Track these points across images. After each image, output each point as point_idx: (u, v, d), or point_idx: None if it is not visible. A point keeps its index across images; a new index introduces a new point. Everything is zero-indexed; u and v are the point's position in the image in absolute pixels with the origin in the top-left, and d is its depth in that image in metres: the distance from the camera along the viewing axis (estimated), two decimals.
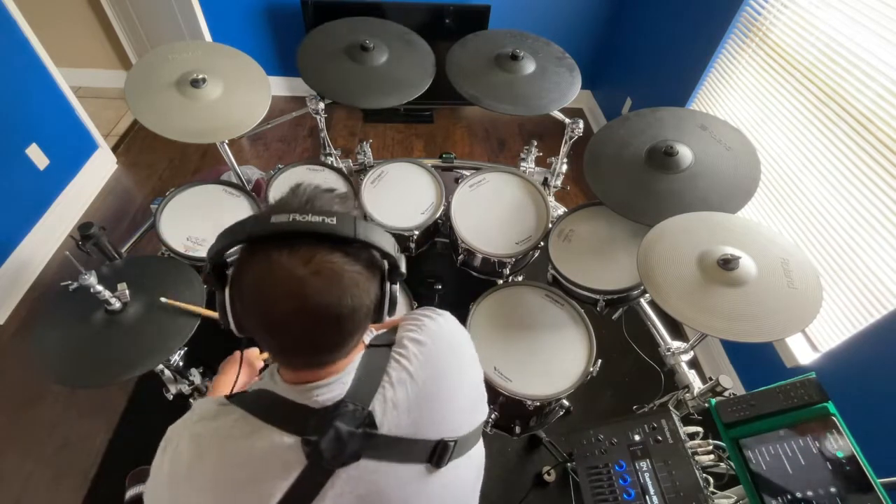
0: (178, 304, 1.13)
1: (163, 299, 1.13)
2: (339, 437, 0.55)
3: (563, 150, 1.74)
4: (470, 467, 0.67)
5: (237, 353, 0.87)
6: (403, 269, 0.60)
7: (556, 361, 1.30)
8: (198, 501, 0.55)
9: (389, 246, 0.56)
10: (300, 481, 0.54)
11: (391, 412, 0.59)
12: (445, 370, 0.66)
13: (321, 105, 1.65)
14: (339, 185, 1.66)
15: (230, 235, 0.53)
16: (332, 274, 0.52)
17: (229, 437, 0.57)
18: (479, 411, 0.70)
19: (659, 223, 1.18)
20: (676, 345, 1.37)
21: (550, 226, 1.52)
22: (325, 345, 0.57)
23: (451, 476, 0.62)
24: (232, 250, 0.55)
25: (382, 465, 0.57)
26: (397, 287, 0.61)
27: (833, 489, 0.78)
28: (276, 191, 1.59)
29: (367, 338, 0.68)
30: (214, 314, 0.71)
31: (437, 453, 0.60)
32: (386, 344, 0.65)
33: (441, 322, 0.72)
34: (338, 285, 0.52)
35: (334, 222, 0.51)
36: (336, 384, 0.58)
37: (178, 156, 2.96)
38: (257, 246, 0.53)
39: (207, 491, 0.55)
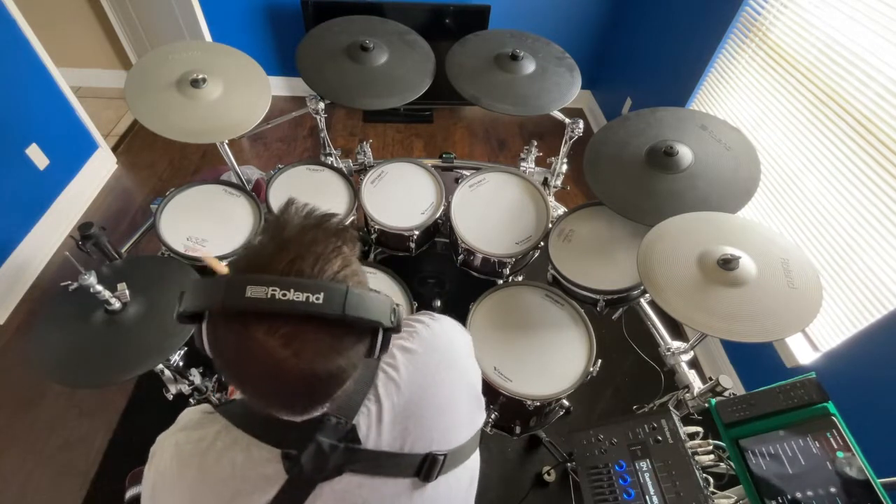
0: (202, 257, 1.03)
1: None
2: (321, 451, 0.53)
3: (563, 150, 1.74)
4: (462, 479, 0.64)
5: None
6: (401, 326, 0.53)
7: (556, 361, 1.30)
8: None
9: (384, 315, 0.49)
10: (280, 496, 0.53)
11: (376, 426, 0.57)
12: (436, 381, 0.64)
13: (321, 105, 1.65)
14: (339, 186, 1.66)
15: (200, 299, 0.46)
16: (316, 353, 0.46)
17: (210, 448, 0.55)
18: (475, 421, 0.68)
19: (659, 223, 1.18)
20: (676, 345, 1.37)
21: (550, 226, 1.52)
22: (307, 405, 0.54)
23: (441, 490, 0.60)
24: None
25: (367, 479, 0.56)
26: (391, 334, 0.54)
27: (833, 489, 0.78)
28: (276, 191, 1.59)
29: None
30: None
31: (426, 468, 0.58)
32: None
33: (435, 328, 0.69)
34: (322, 362, 0.47)
35: (320, 301, 0.44)
36: None
37: (178, 156, 2.96)
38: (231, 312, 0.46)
39: (188, 502, 0.54)
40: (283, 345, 0.45)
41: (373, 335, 0.51)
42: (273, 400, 0.52)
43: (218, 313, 0.47)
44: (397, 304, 0.52)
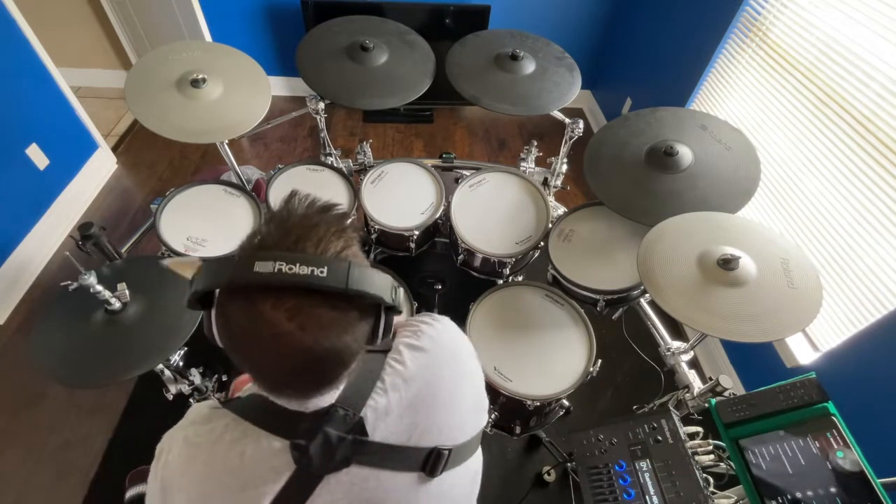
0: (178, 264, 1.13)
1: (164, 262, 1.14)
2: (329, 443, 0.54)
3: (563, 150, 1.74)
4: (466, 477, 0.65)
5: None
6: (402, 307, 0.55)
7: (556, 361, 1.30)
8: None
9: (385, 291, 0.51)
10: (289, 486, 0.53)
11: (383, 419, 0.58)
12: (442, 377, 0.65)
13: (321, 105, 1.65)
14: (339, 186, 1.66)
15: (210, 278, 0.49)
16: (320, 327, 0.48)
17: (219, 441, 0.56)
18: (478, 421, 0.69)
19: (659, 223, 1.18)
20: (676, 345, 1.37)
21: (550, 226, 1.52)
22: (313, 385, 0.55)
23: (445, 486, 0.61)
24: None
25: (373, 472, 0.56)
26: (394, 317, 0.56)
27: (833, 489, 0.78)
28: (276, 191, 1.59)
29: None
30: None
31: (431, 462, 0.59)
32: (382, 350, 0.64)
33: (439, 328, 0.70)
34: (326, 336, 0.48)
35: (324, 274, 0.46)
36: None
37: (178, 156, 2.96)
38: (240, 288, 0.48)
39: (198, 496, 0.55)
40: (288, 318, 0.46)
41: (376, 315, 0.53)
42: (280, 379, 0.53)
43: (227, 290, 0.49)
44: (397, 285, 0.54)
